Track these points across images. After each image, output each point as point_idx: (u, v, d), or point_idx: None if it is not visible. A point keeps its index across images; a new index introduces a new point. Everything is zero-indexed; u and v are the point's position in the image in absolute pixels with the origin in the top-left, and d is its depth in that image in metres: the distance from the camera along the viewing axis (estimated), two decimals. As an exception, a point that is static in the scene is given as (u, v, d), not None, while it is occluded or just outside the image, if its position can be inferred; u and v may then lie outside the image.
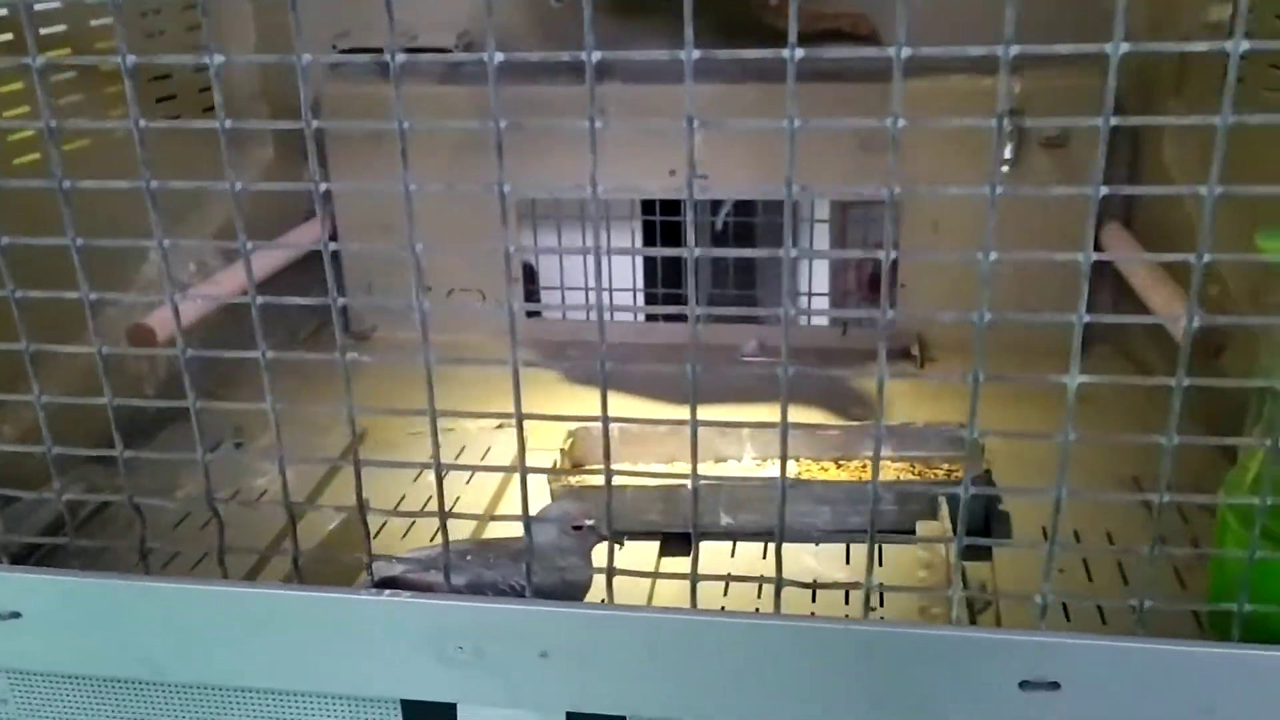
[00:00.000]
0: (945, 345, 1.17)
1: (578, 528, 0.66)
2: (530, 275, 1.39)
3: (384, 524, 0.88)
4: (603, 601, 0.59)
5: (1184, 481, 0.54)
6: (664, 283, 1.35)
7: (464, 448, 1.01)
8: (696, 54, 0.48)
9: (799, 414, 0.87)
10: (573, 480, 0.88)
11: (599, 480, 0.91)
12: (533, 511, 0.60)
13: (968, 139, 0.91)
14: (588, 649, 0.55)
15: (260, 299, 0.57)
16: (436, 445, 0.57)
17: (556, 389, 1.08)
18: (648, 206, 1.32)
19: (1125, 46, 0.45)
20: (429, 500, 0.91)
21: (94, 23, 0.99)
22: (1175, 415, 0.50)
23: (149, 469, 0.79)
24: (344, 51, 1.26)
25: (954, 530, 0.78)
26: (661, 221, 1.30)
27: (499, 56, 0.50)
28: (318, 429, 0.95)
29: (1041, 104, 1.05)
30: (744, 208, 1.32)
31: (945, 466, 0.91)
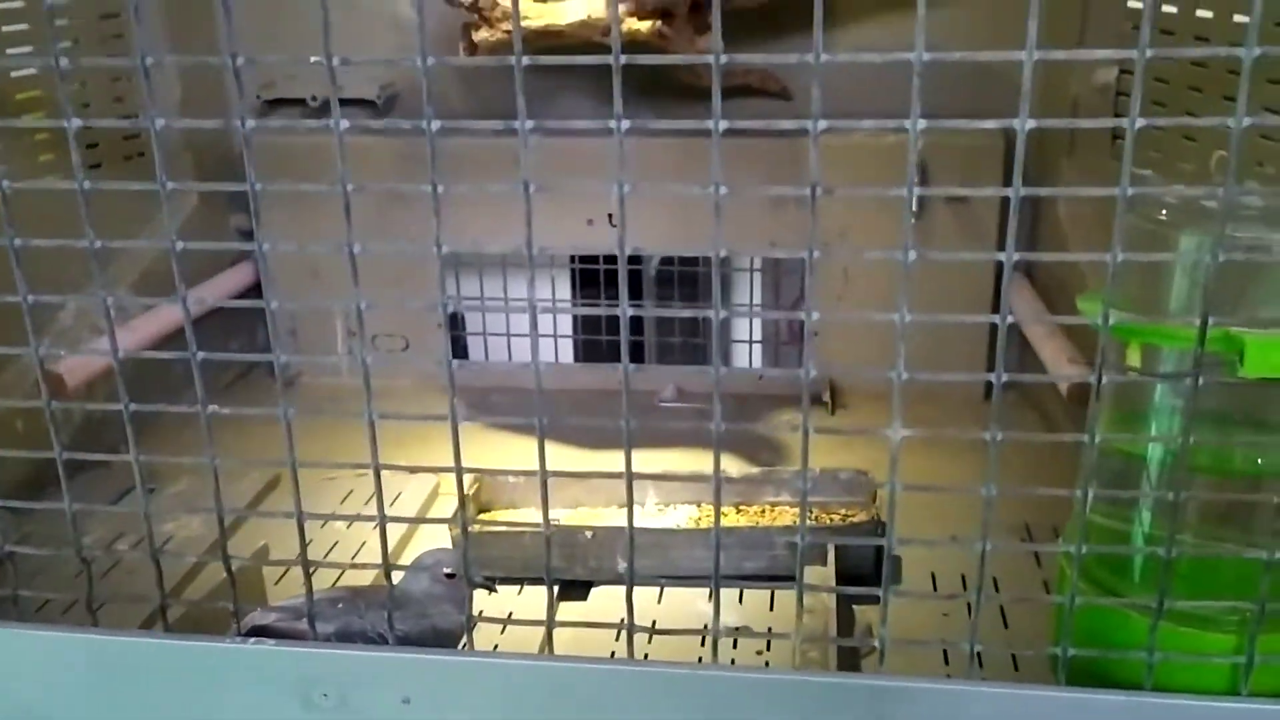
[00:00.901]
0: (855, 390, 1.19)
1: (450, 575, 0.66)
2: (456, 322, 1.38)
3: (285, 572, 0.86)
4: (463, 648, 0.59)
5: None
6: (585, 328, 1.35)
7: (370, 494, 0.99)
8: (626, 124, 0.48)
9: (706, 459, 0.87)
10: (474, 526, 0.88)
11: (501, 526, 0.91)
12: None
13: (873, 201, 0.93)
14: (449, 696, 0.55)
15: (200, 354, 0.56)
16: (298, 496, 0.57)
17: (479, 435, 1.08)
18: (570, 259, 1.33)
19: (1031, 123, 0.46)
20: (334, 546, 0.90)
21: (15, 74, 0.98)
22: (994, 465, 0.51)
23: (55, 516, 0.77)
24: (271, 103, 1.26)
25: (837, 576, 0.79)
26: (583, 270, 1.31)
27: (436, 124, 0.50)
28: (231, 475, 0.93)
29: (943, 159, 1.08)
30: (665, 258, 1.33)
31: (842, 512, 0.92)
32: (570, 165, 1.12)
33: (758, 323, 1.35)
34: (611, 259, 1.27)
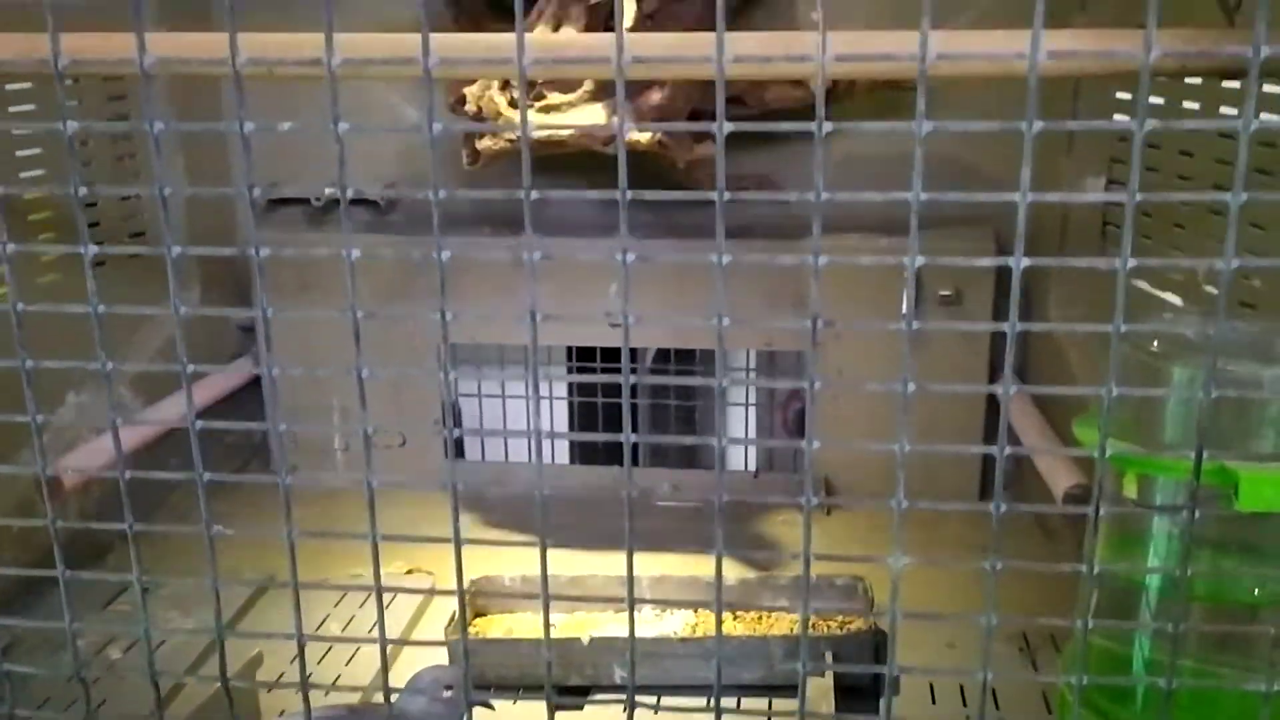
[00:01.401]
0: (850, 489, 1.18)
1: (448, 688, 0.65)
2: (454, 417, 1.38)
3: (280, 674, 0.85)
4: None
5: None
6: (581, 425, 1.35)
7: (365, 599, 0.98)
8: (632, 256, 0.48)
9: (701, 562, 0.86)
10: (471, 631, 0.87)
11: (496, 631, 0.90)
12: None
13: (869, 295, 0.93)
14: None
15: (207, 475, 0.55)
16: (299, 620, 0.56)
17: (474, 532, 1.07)
18: (566, 352, 1.33)
19: (1026, 261, 0.46)
20: (328, 652, 0.89)
21: (19, 153, 1.00)
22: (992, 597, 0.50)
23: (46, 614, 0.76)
24: (274, 202, 1.27)
25: (835, 687, 0.78)
26: (579, 367, 1.31)
27: (446, 254, 0.50)
28: (226, 572, 0.92)
29: (936, 266, 1.08)
30: (662, 356, 1.33)
31: (839, 619, 0.90)
32: (570, 265, 1.14)
33: (739, 423, 1.34)
34: (608, 358, 1.27)
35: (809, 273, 0.49)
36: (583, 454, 1.37)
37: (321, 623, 0.91)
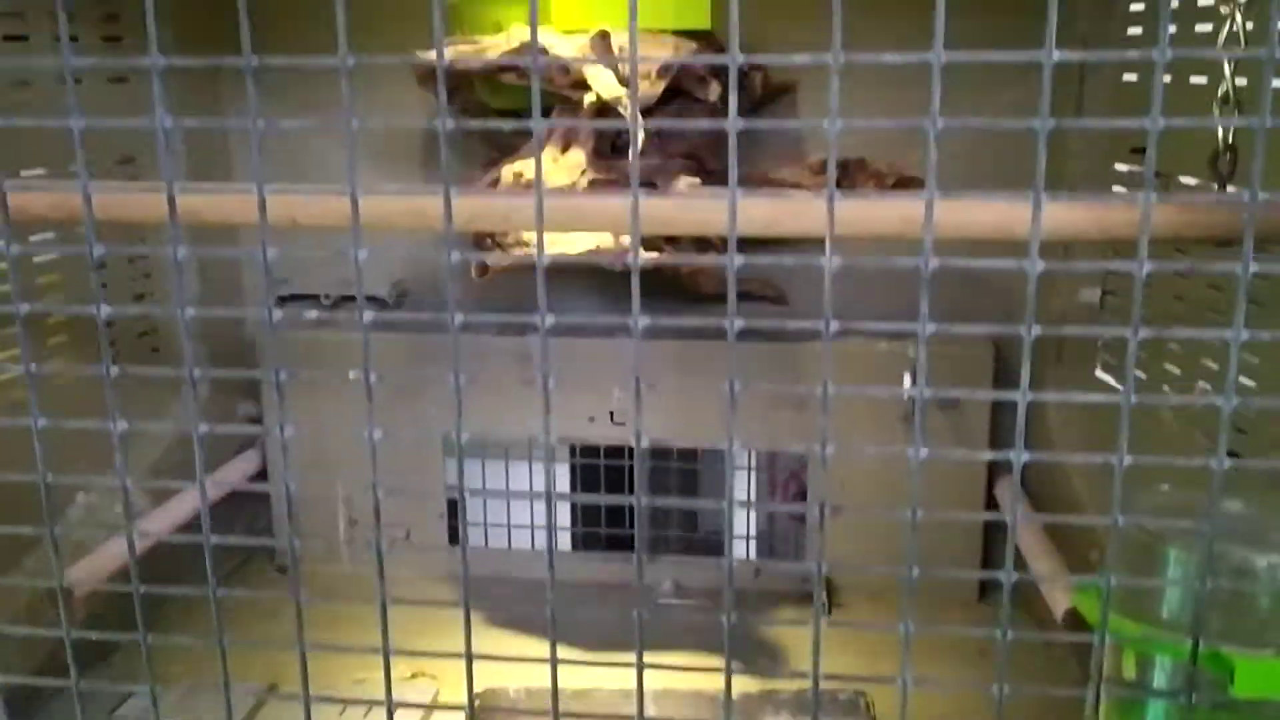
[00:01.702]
0: (852, 590, 1.18)
1: None
2: (454, 510, 1.38)
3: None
4: None
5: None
6: (584, 519, 1.35)
7: (370, 709, 0.97)
8: (643, 321, 0.49)
9: (707, 660, 0.86)
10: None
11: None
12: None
13: (868, 399, 0.95)
14: None
15: (221, 590, 0.55)
16: None
17: (477, 628, 1.06)
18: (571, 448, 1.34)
19: (1037, 329, 0.47)
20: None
21: (40, 280, 1.01)
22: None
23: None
24: (284, 298, 1.28)
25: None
26: (583, 464, 1.31)
27: (459, 317, 0.51)
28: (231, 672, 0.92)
29: (935, 365, 1.09)
30: (662, 454, 1.34)
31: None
32: (574, 362, 1.15)
33: (753, 516, 1.34)
34: (611, 453, 1.28)
35: (811, 378, 0.50)
36: (585, 542, 1.37)
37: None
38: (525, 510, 1.31)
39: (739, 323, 0.50)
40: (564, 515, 1.36)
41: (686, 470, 1.32)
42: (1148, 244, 0.41)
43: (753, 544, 1.32)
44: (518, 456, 1.30)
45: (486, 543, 1.35)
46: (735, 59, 0.45)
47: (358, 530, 1.29)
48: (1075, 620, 0.80)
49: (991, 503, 1.14)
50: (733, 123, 0.46)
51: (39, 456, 0.55)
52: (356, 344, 1.29)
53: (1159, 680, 0.58)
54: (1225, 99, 0.62)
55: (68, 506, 1.01)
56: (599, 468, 1.28)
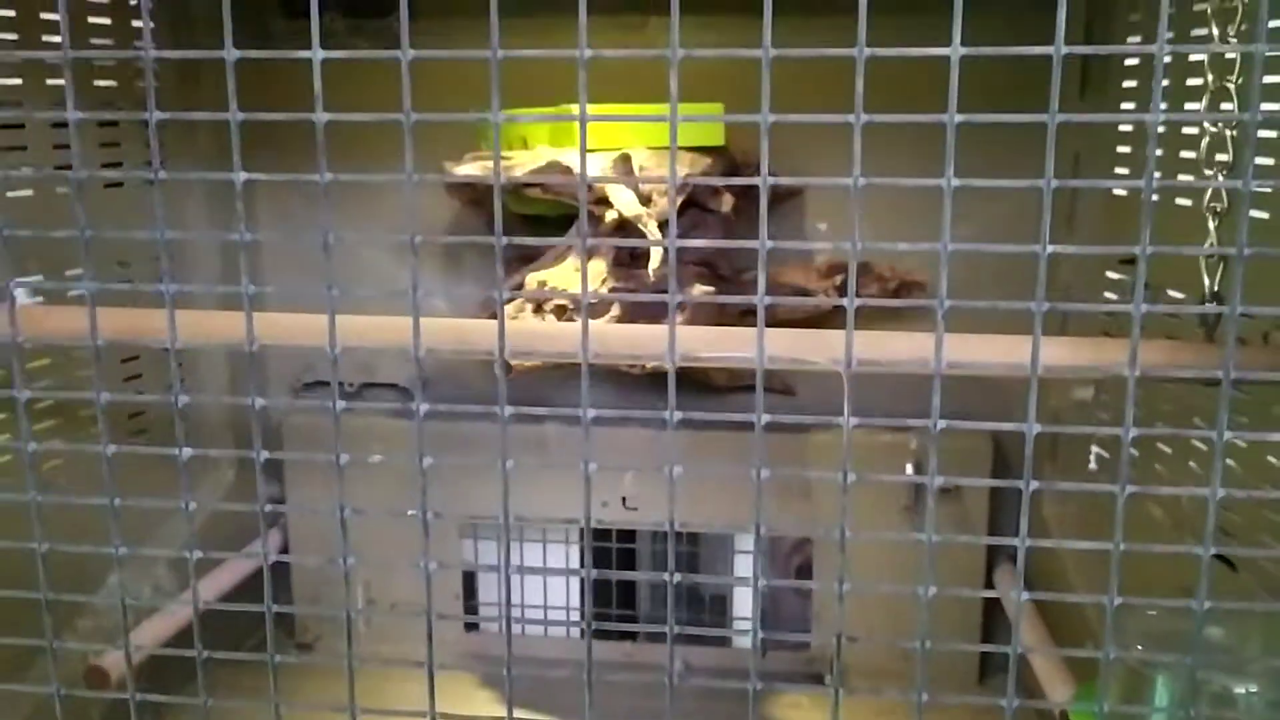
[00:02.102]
0: (858, 671, 1.19)
1: None
2: (470, 590, 1.39)
3: None
4: None
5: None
6: (596, 600, 1.36)
7: None
8: (677, 416, 0.52)
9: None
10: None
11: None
12: None
13: (871, 488, 0.97)
14: None
15: (277, 656, 0.58)
16: None
17: (491, 710, 1.07)
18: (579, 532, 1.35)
19: (1037, 427, 0.50)
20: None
21: (79, 374, 1.03)
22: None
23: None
24: (309, 385, 1.31)
25: None
26: (596, 548, 1.33)
27: (509, 409, 0.54)
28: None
29: (943, 456, 1.12)
30: (664, 537, 1.35)
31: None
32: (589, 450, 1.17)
33: (745, 602, 1.35)
34: (622, 536, 1.30)
35: (816, 466, 0.53)
36: (595, 622, 1.38)
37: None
38: (537, 592, 1.32)
39: (765, 418, 0.53)
40: (575, 596, 1.38)
41: (691, 553, 1.33)
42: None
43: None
44: (532, 539, 1.32)
45: (502, 627, 1.36)
46: (765, 181, 0.48)
47: (376, 609, 1.30)
48: None
49: (990, 588, 1.15)
50: (763, 243, 0.50)
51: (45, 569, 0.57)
52: (378, 428, 1.34)
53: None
54: (1211, 259, 0.67)
55: (99, 588, 1.02)
56: (610, 550, 1.30)
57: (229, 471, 1.28)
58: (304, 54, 0.46)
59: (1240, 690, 0.57)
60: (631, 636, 1.30)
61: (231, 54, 0.47)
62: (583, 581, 1.33)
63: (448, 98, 0.50)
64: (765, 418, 0.54)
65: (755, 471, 0.57)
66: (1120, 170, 1.02)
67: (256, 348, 0.59)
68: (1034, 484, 0.51)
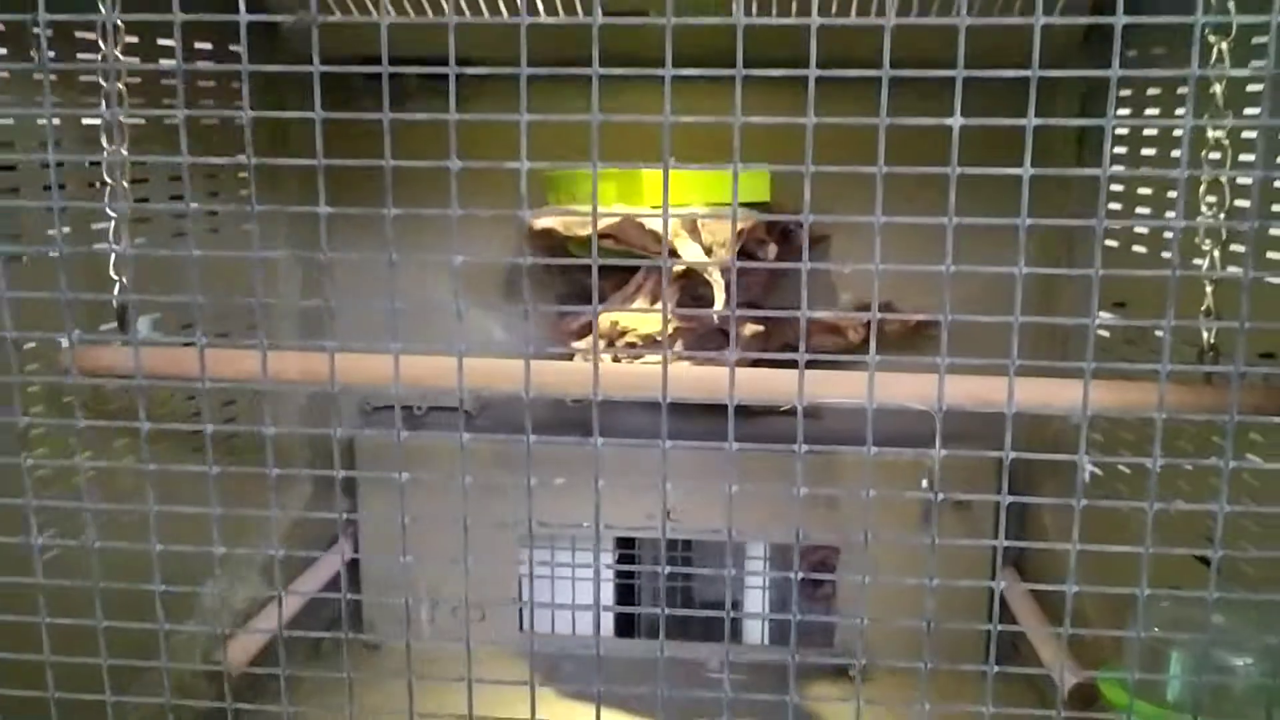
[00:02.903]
0: (875, 663, 1.25)
1: None
2: (521, 593, 1.45)
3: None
4: None
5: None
6: (620, 600, 1.43)
7: None
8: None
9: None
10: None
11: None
12: None
13: (891, 503, 1.03)
14: None
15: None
16: None
17: (551, 703, 1.14)
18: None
19: (1007, 498, 0.57)
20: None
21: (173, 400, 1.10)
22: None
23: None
24: (378, 409, 1.38)
25: None
26: (621, 555, 1.40)
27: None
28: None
29: (949, 472, 1.18)
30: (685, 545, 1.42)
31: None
32: (634, 466, 1.23)
33: (768, 599, 1.41)
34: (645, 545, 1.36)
35: (839, 481, 0.60)
36: (620, 628, 1.45)
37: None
38: (580, 594, 1.39)
39: (805, 448, 0.60)
40: (608, 600, 1.44)
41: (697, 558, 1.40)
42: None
43: (767, 625, 1.40)
44: (580, 548, 1.39)
45: (553, 628, 1.42)
46: (807, 218, 0.56)
47: (440, 610, 1.37)
48: (1082, 695, 0.88)
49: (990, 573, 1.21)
50: (804, 268, 0.57)
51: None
52: (444, 448, 1.40)
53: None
54: (1208, 310, 0.74)
55: (203, 583, 1.09)
56: (635, 557, 1.37)
57: (306, 486, 1.35)
58: (375, 115, 0.57)
59: (1239, 663, 0.69)
60: (653, 633, 1.37)
61: (320, 114, 0.58)
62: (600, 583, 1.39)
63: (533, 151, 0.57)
64: (805, 448, 0.62)
65: (796, 490, 0.64)
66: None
67: (338, 389, 0.67)
68: (1009, 498, 0.59)
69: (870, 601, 1.23)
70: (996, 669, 0.64)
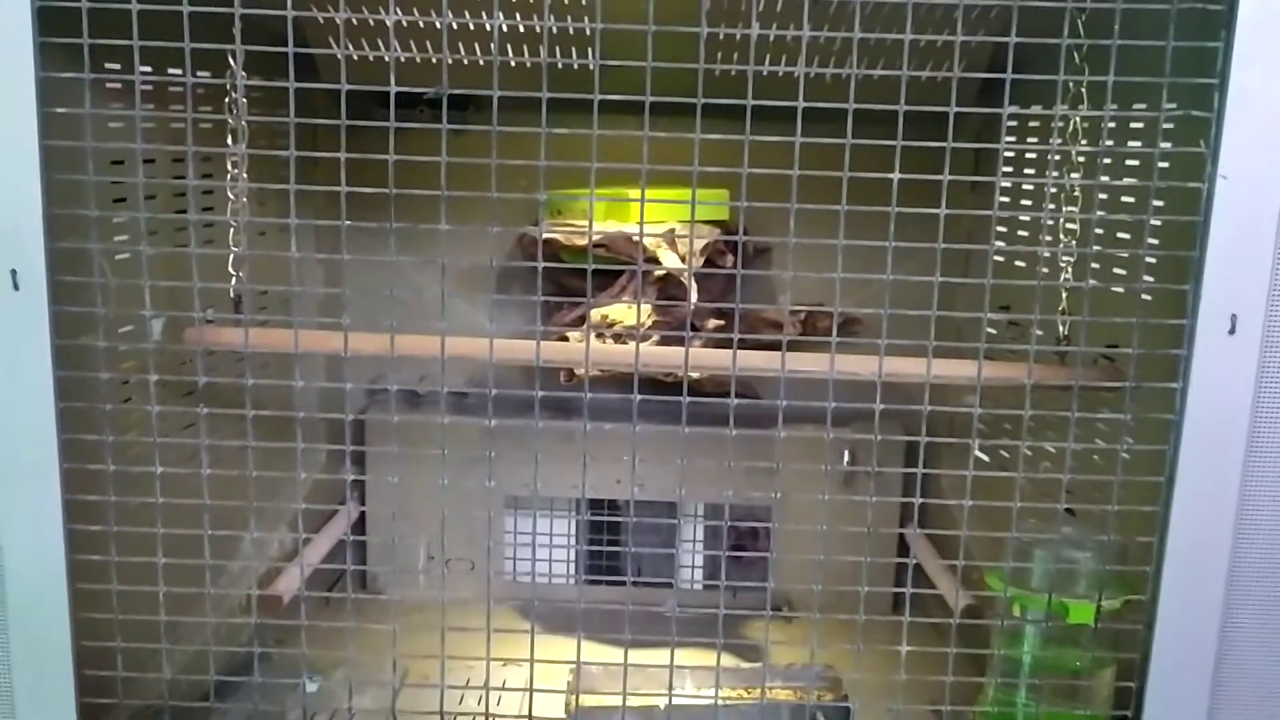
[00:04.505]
0: (808, 604, 1.35)
1: None
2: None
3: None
4: None
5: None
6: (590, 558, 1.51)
7: (469, 679, 1.09)
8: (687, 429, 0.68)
9: (712, 655, 1.00)
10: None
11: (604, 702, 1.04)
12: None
13: (815, 473, 1.12)
14: None
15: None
16: None
17: (537, 639, 1.21)
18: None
19: (922, 470, 0.67)
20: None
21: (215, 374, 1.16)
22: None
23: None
24: (384, 390, 1.45)
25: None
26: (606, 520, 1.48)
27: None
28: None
29: (864, 448, 1.29)
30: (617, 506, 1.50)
31: (817, 692, 1.07)
32: (608, 441, 1.30)
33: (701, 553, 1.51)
34: (611, 507, 1.44)
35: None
36: (590, 573, 1.53)
37: None
38: (553, 550, 1.47)
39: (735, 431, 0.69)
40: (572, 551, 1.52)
41: (659, 523, 1.50)
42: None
43: (698, 573, 1.50)
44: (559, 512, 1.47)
45: (534, 576, 1.50)
46: (741, 239, 0.66)
47: (435, 563, 1.43)
48: (971, 613, 1.00)
49: (902, 541, 1.32)
50: (739, 275, 0.66)
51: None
52: (436, 423, 1.46)
53: (1031, 617, 0.91)
54: (1063, 310, 0.93)
55: (240, 544, 1.14)
56: (602, 521, 1.46)
57: (320, 454, 1.41)
58: (381, 157, 0.79)
59: (1080, 556, 0.90)
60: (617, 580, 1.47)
61: (344, 155, 0.80)
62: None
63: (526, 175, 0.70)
64: (735, 431, 0.72)
65: (728, 463, 0.75)
66: (998, 244, 1.19)
67: (395, 357, 0.77)
68: (923, 470, 0.71)
69: (800, 551, 1.34)
70: (911, 591, 0.75)
